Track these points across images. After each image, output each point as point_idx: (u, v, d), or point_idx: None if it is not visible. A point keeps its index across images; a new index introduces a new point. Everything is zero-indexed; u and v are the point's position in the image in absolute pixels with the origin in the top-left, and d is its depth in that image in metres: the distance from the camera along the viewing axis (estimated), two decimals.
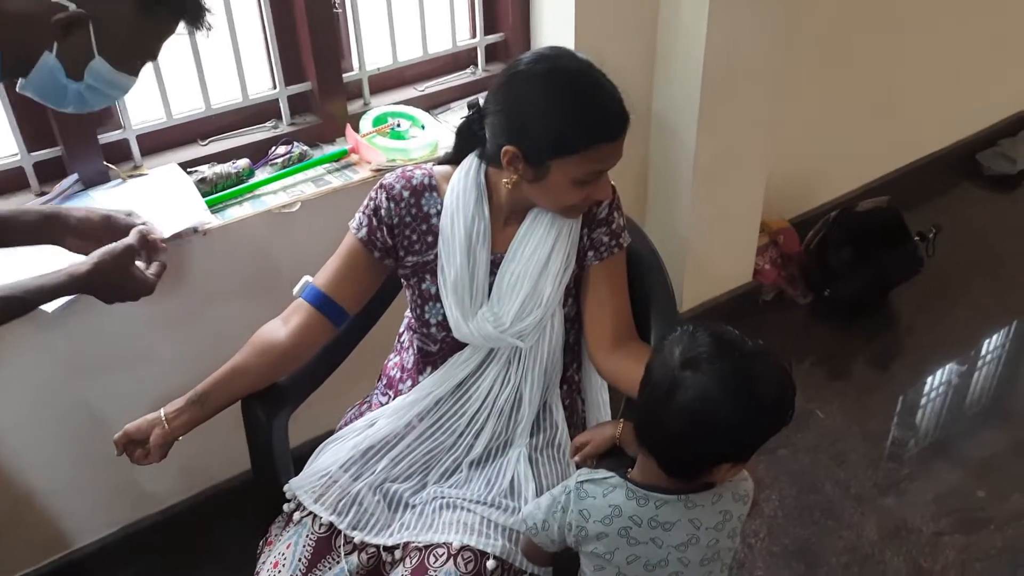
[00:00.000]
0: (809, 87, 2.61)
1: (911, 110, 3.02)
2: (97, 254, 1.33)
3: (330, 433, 1.50)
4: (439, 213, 1.37)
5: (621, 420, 1.32)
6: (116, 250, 1.34)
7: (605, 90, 1.24)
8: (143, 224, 1.45)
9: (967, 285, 2.79)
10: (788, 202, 2.83)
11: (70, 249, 1.43)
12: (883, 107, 2.92)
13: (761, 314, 2.67)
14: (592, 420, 1.52)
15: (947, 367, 2.52)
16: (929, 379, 2.48)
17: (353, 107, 2.01)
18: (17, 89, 1.18)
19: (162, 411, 1.34)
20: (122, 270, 1.35)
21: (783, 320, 2.67)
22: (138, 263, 1.40)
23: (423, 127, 2.00)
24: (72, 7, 1.11)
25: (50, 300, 1.33)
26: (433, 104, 2.12)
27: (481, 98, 1.34)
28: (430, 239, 1.38)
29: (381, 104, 2.04)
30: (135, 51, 1.21)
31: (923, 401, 2.42)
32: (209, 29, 1.28)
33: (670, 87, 2.22)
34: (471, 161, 1.36)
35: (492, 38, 2.18)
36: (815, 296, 2.71)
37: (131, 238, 1.39)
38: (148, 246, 1.43)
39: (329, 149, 1.94)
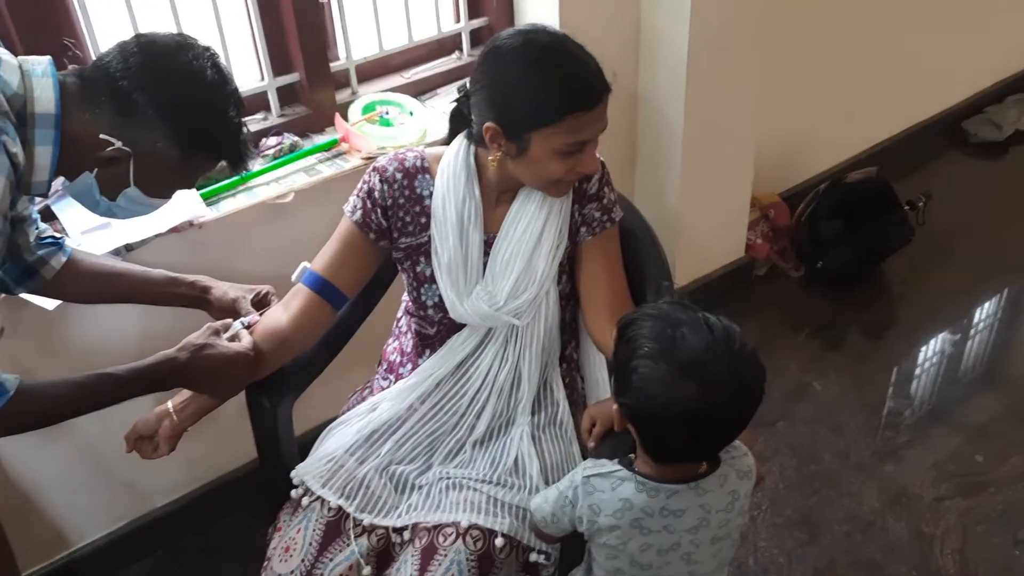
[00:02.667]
0: (794, 60, 2.62)
1: (896, 80, 3.04)
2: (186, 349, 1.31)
3: (333, 420, 1.51)
4: (431, 195, 1.38)
5: (614, 407, 1.33)
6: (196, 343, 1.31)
7: (580, 59, 1.24)
8: (244, 316, 1.43)
9: (958, 253, 2.82)
10: (778, 176, 2.84)
11: (216, 319, 1.44)
12: (869, 78, 2.93)
13: (754, 289, 2.69)
14: (592, 398, 1.54)
15: (940, 335, 2.54)
16: (923, 347, 2.51)
17: (341, 96, 2.01)
18: (60, 186, 1.22)
19: (169, 403, 1.35)
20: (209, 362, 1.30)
21: (776, 294, 2.69)
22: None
23: (411, 114, 2.00)
24: (118, 144, 1.16)
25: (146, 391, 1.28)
26: (420, 90, 2.12)
27: (468, 80, 1.35)
28: (423, 220, 1.39)
29: (369, 92, 2.04)
30: (170, 184, 1.26)
31: (918, 369, 2.44)
32: (247, 170, 1.32)
33: (656, 65, 2.23)
34: (460, 142, 1.37)
35: (476, 23, 2.18)
36: (807, 269, 2.73)
37: (216, 325, 1.36)
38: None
39: (319, 139, 1.94)
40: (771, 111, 2.52)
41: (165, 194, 1.28)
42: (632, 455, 1.20)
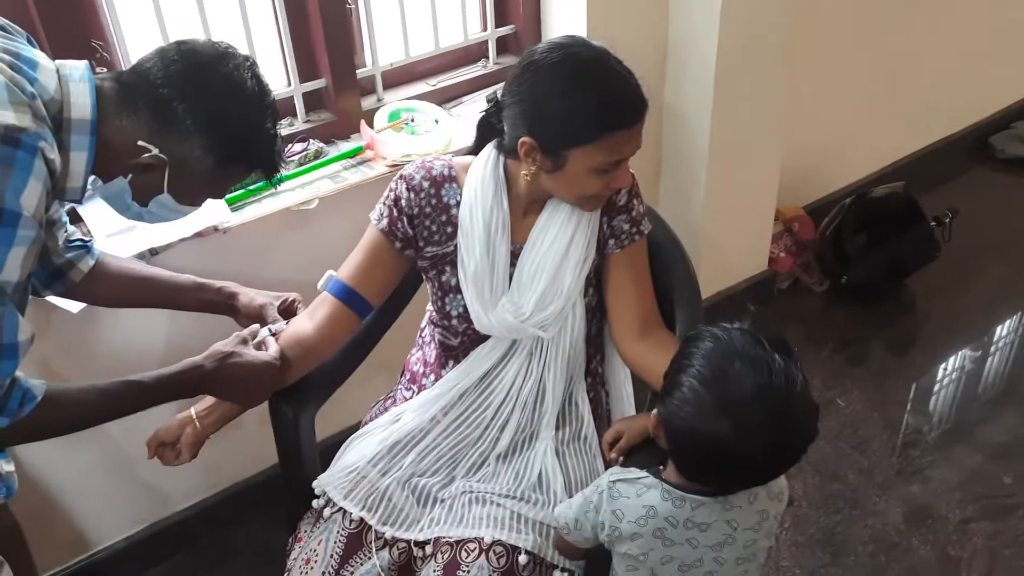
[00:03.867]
0: (820, 72, 2.60)
1: (923, 94, 3.01)
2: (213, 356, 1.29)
3: (354, 428, 1.50)
4: (459, 204, 1.37)
5: (653, 412, 1.32)
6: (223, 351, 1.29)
7: (620, 76, 1.23)
8: (271, 323, 1.43)
9: (983, 269, 2.78)
10: (802, 189, 2.81)
11: (242, 326, 1.45)
12: (895, 91, 2.90)
13: (777, 303, 2.67)
14: (617, 413, 1.52)
15: (964, 352, 2.50)
16: (947, 364, 2.47)
17: (367, 103, 2.01)
18: (90, 186, 1.21)
19: (192, 410, 1.34)
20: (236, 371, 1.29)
21: (799, 308, 2.66)
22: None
23: (437, 122, 1.99)
24: (155, 151, 1.15)
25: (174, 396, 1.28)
26: (445, 98, 2.11)
27: (499, 91, 1.34)
28: (449, 230, 1.38)
29: (393, 100, 2.04)
30: (203, 193, 1.26)
31: (941, 387, 2.41)
32: (280, 181, 1.32)
33: (683, 76, 2.21)
34: (489, 152, 1.36)
35: (503, 30, 2.17)
36: (831, 283, 2.70)
37: (244, 333, 1.35)
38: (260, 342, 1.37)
39: (344, 146, 1.94)
40: (796, 123, 2.50)
41: (196, 202, 1.28)
42: (661, 467, 1.18)
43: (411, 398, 1.49)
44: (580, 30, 2.05)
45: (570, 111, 1.21)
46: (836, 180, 2.95)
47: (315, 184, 1.83)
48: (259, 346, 1.35)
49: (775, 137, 2.39)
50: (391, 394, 1.57)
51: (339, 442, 1.48)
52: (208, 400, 1.34)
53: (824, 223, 2.70)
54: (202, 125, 1.16)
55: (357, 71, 1.96)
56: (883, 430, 2.22)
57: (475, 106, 2.08)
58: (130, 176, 1.18)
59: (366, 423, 1.52)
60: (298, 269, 1.77)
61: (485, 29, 2.15)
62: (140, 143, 1.15)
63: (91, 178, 1.19)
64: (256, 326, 1.39)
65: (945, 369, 2.46)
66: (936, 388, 2.40)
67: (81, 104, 1.12)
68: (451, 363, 1.46)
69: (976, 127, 3.34)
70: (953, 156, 3.24)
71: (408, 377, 1.54)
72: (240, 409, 1.35)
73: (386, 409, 1.52)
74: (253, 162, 1.26)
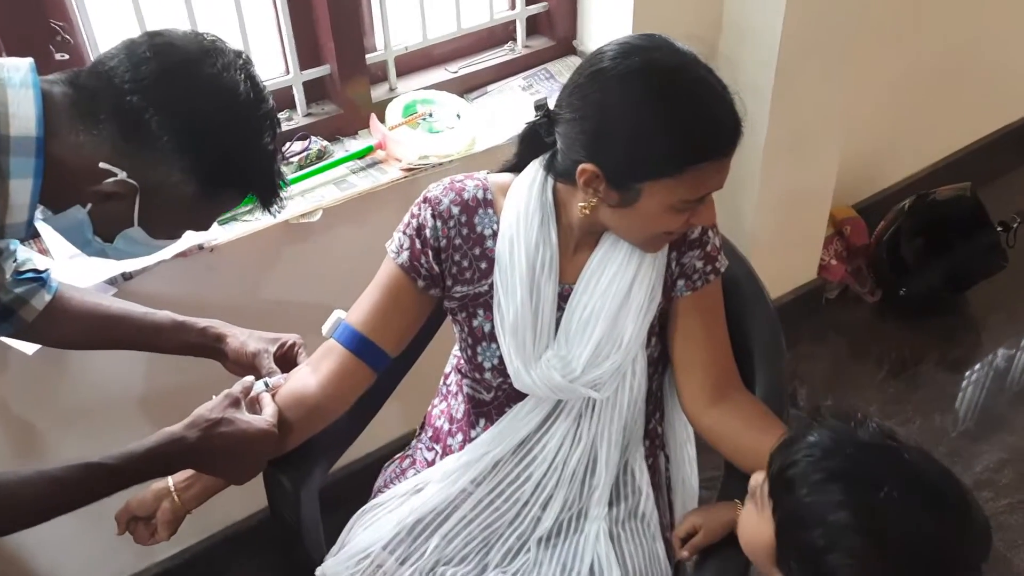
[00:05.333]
0: (874, 59, 2.32)
1: (985, 78, 2.72)
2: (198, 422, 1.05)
3: (361, 473, 1.25)
4: (495, 235, 1.12)
5: (739, 503, 1.07)
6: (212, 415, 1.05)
7: (715, 93, 0.99)
8: (266, 374, 1.18)
9: None
10: (852, 187, 2.55)
11: (230, 372, 1.23)
12: (954, 78, 2.62)
13: (824, 314, 2.42)
14: (677, 481, 1.28)
15: None
16: (1018, 390, 2.23)
17: (377, 93, 1.74)
18: (41, 215, 0.97)
19: (170, 480, 1.11)
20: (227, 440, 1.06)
21: (849, 321, 2.42)
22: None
23: (459, 116, 1.73)
24: (122, 175, 0.92)
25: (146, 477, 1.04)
26: (467, 87, 1.85)
27: (551, 97, 1.08)
28: (483, 266, 1.13)
29: (408, 89, 1.77)
30: (183, 224, 1.03)
31: (1014, 416, 2.16)
32: (280, 210, 1.07)
33: (739, 65, 1.94)
34: (535, 173, 1.11)
35: (533, 9, 1.89)
36: (883, 294, 2.45)
37: (234, 392, 1.10)
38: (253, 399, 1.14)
39: (352, 144, 1.68)
40: (851, 115, 2.23)
41: (175, 235, 1.04)
42: None
43: (434, 460, 1.26)
44: (624, 8, 1.78)
45: (648, 137, 0.96)
46: (889, 175, 2.69)
47: (318, 191, 1.57)
48: (253, 405, 1.11)
49: (837, 130, 2.13)
50: (408, 452, 1.33)
51: (342, 492, 1.24)
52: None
53: (880, 227, 2.45)
54: (182, 142, 0.93)
55: (367, 56, 1.69)
56: (951, 467, 1.98)
57: (501, 97, 1.82)
58: (90, 206, 0.94)
59: (380, 489, 1.28)
60: (299, 293, 1.54)
61: (513, 7, 1.88)
62: (102, 165, 0.91)
63: (39, 208, 0.94)
64: (250, 379, 1.14)
65: (1016, 395, 2.21)
66: (1008, 420, 2.14)
67: (23, 117, 0.88)
68: (483, 422, 1.22)
69: None
70: (1017, 146, 2.96)
71: (430, 434, 1.30)
72: (225, 483, 1.12)
73: (403, 471, 1.28)
74: (246, 186, 1.02)
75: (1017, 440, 2.09)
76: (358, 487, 1.33)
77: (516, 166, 1.15)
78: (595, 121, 0.99)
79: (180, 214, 1.00)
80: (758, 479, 0.93)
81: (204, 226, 1.07)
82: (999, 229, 2.42)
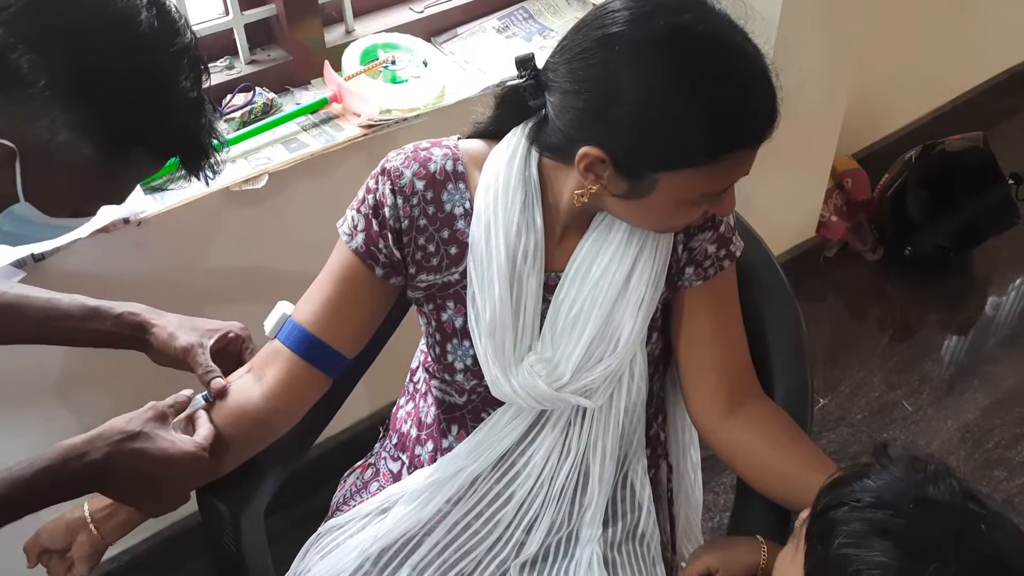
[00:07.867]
0: None
1: (989, 20, 2.53)
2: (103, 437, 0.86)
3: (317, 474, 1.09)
4: (467, 215, 0.94)
5: (762, 541, 0.92)
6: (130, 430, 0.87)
7: (755, 68, 0.82)
8: (203, 372, 0.99)
9: None
10: (852, 135, 2.37)
11: (158, 364, 1.05)
12: (963, 12, 2.43)
13: (822, 275, 2.26)
14: (681, 493, 1.13)
15: None
16: None
17: (332, 36, 1.53)
18: None
19: (86, 507, 0.93)
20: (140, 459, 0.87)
21: (849, 281, 2.27)
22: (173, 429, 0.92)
23: (425, 64, 1.52)
24: None
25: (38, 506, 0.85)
26: (435, 30, 1.64)
27: (539, 53, 0.88)
28: (454, 251, 0.95)
29: (367, 32, 1.56)
30: (88, 197, 0.83)
31: None
32: (213, 176, 0.88)
33: None
34: (517, 143, 0.93)
35: None
36: (886, 252, 2.30)
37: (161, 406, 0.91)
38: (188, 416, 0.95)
39: (303, 96, 1.47)
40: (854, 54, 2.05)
41: (81, 211, 0.84)
42: None
43: (400, 473, 1.09)
44: None
45: (672, 120, 0.79)
46: (891, 122, 2.51)
47: (263, 152, 1.37)
48: (187, 425, 0.93)
49: (844, 74, 1.95)
50: (370, 460, 1.16)
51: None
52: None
53: (883, 181, 2.28)
54: (64, 88, 0.73)
55: None
56: (960, 443, 1.87)
57: (474, 40, 1.61)
58: None
59: (339, 506, 1.11)
60: (243, 274, 1.35)
61: None
62: None
63: None
64: (185, 393, 0.95)
65: None
66: (1021, 388, 2.02)
67: None
68: (455, 429, 1.05)
69: None
70: (1019, 90, 2.79)
71: (395, 441, 1.12)
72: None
73: (364, 485, 1.11)
74: (162, 146, 0.83)
75: None
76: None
77: (493, 132, 0.96)
78: (603, 97, 0.80)
79: (80, 183, 0.80)
80: (804, 517, 0.77)
81: (117, 198, 0.87)
82: (1011, 182, 2.25)
